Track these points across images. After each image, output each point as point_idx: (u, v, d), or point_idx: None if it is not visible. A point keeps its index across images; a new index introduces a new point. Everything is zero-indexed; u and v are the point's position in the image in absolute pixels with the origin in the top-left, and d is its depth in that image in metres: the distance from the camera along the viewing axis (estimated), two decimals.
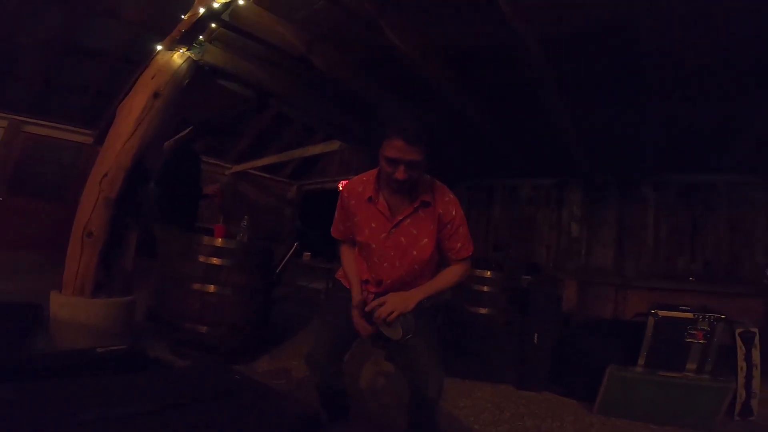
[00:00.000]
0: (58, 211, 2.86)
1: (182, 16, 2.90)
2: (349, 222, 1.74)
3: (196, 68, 3.05)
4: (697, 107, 3.41)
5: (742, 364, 2.35)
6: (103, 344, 1.61)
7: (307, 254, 6.75)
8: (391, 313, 1.47)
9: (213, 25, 2.85)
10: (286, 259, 3.78)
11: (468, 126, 4.21)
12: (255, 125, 7.11)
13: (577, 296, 4.88)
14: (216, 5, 2.49)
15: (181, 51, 2.93)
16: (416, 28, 2.91)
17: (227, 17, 2.70)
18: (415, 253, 1.63)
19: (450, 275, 1.68)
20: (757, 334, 2.37)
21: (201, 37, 2.93)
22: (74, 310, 2.64)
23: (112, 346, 1.57)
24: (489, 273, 3.36)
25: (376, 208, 1.65)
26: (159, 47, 2.92)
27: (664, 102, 3.31)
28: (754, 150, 3.94)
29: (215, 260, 2.91)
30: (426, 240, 1.63)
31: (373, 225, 1.65)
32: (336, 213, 1.82)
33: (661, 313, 2.41)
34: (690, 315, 2.36)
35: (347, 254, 1.81)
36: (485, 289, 3.32)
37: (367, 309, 1.54)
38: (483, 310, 3.28)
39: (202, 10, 2.59)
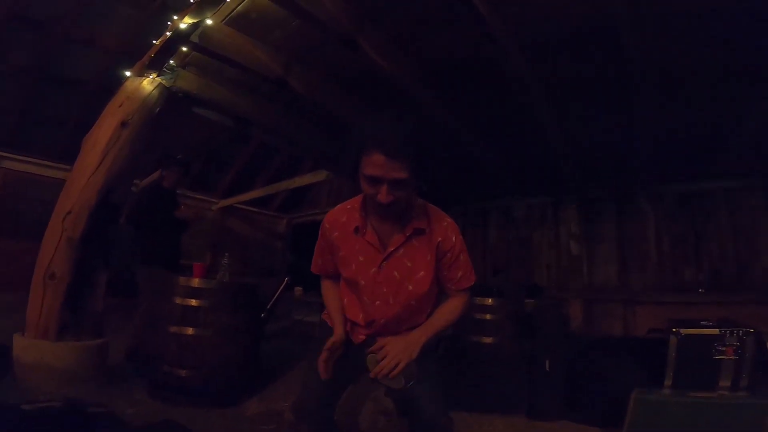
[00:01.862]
0: (28, 248, 2.74)
1: (154, 42, 2.79)
2: (331, 256, 1.53)
3: (168, 95, 2.91)
4: (686, 113, 3.37)
5: None
6: (32, 399, 1.36)
7: (299, 288, 6.52)
8: (397, 365, 1.25)
9: (184, 48, 2.74)
10: (277, 294, 3.60)
11: (457, 146, 4.14)
12: (240, 157, 7.00)
13: (582, 315, 4.72)
14: (183, 26, 2.36)
15: (152, 77, 2.79)
16: (397, 44, 2.83)
17: (197, 39, 2.58)
18: (410, 287, 1.41)
19: (451, 310, 1.47)
20: None
21: (172, 61, 2.80)
22: (39, 353, 2.56)
23: (42, 402, 1.32)
24: (490, 300, 3.17)
25: (363, 240, 1.43)
26: (128, 73, 2.77)
27: (653, 109, 3.26)
28: (747, 153, 3.89)
29: (193, 301, 2.73)
30: (423, 272, 1.42)
31: (360, 259, 1.43)
32: (316, 246, 1.60)
33: (684, 331, 2.21)
34: (716, 331, 2.17)
35: (329, 290, 1.59)
36: (488, 317, 3.12)
37: (371, 351, 1.32)
38: (487, 339, 3.07)
39: (169, 33, 2.46)
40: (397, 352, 1.27)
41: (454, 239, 1.44)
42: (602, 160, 4.39)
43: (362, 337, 1.46)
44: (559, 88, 3.13)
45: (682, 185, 4.67)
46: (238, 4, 2.57)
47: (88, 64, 4.43)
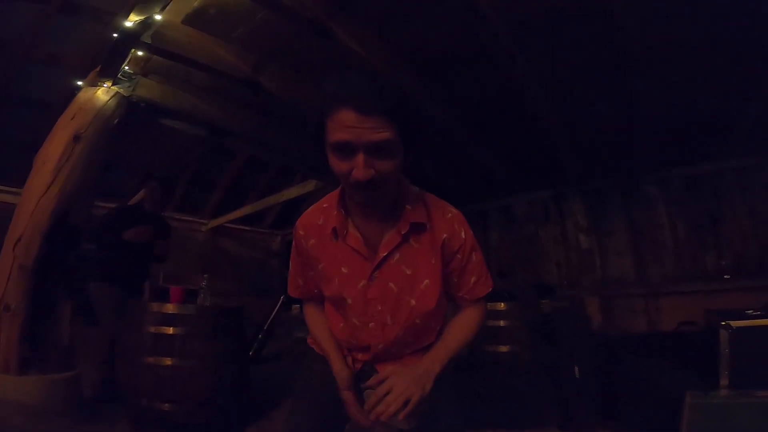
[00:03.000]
0: None
1: None
2: (311, 272, 1.18)
3: (127, 105, 2.66)
4: (689, 92, 3.18)
5: None
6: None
7: (296, 306, 6.27)
8: (406, 403, 0.92)
9: (139, 53, 2.48)
10: (273, 314, 3.36)
11: (448, 141, 3.93)
12: (227, 174, 6.78)
13: (601, 313, 4.44)
14: (128, 24, 2.08)
15: (106, 86, 2.52)
16: (374, 29, 2.58)
17: (149, 40, 2.31)
18: (413, 303, 1.07)
19: (468, 325, 1.13)
20: None
21: (128, 68, 2.53)
22: (1, 388, 2.42)
23: None
24: (502, 305, 2.91)
25: (346, 245, 1.08)
26: (80, 83, 2.51)
27: (653, 91, 3.12)
28: (755, 131, 3.68)
29: (168, 329, 2.48)
30: (427, 281, 1.07)
31: (344, 270, 1.09)
32: (291, 262, 1.26)
33: (735, 323, 1.92)
34: None
35: (313, 315, 1.25)
36: (501, 323, 2.85)
37: (369, 385, 1.01)
38: (504, 348, 2.81)
39: (115, 34, 2.19)
40: (404, 389, 0.94)
41: (463, 235, 1.11)
42: (603, 146, 4.17)
43: (358, 365, 1.14)
44: (552, 72, 2.93)
45: (689, 167, 4.43)
46: (193, 1, 2.32)
47: (53, 84, 4.20)
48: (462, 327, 1.13)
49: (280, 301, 4.80)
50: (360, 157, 0.89)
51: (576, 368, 2.55)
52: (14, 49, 3.87)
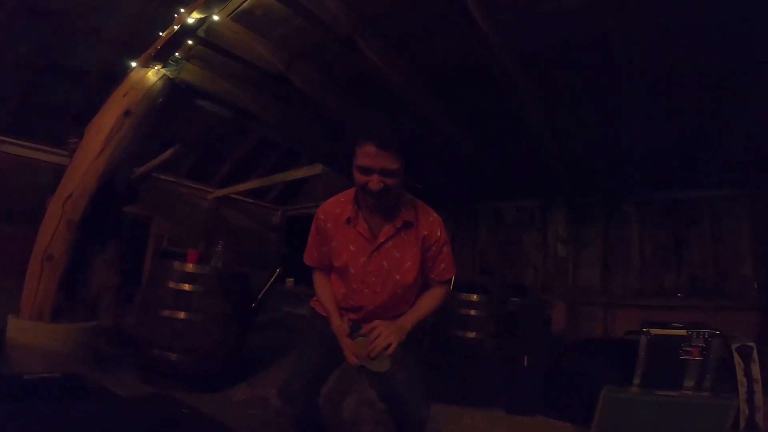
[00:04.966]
0: (33, 235, 2.76)
1: (160, 34, 2.85)
2: (325, 247, 1.62)
3: (171, 86, 2.97)
4: (673, 121, 3.45)
5: (742, 379, 2.24)
6: (33, 371, 1.45)
7: (290, 280, 6.58)
8: (389, 345, 1.33)
9: (190, 42, 2.79)
10: (268, 285, 3.61)
11: (451, 149, 4.21)
12: (239, 149, 7.03)
13: (566, 317, 4.78)
14: (190, 21, 2.44)
15: (156, 68, 2.86)
16: (395, 47, 2.90)
17: (203, 34, 2.65)
18: (398, 277, 1.51)
19: (433, 299, 1.57)
20: (755, 348, 2.29)
21: (177, 54, 2.86)
22: (33, 334, 2.56)
23: (42, 373, 1.40)
24: (476, 296, 3.26)
25: (355, 230, 1.52)
26: (134, 64, 2.84)
27: (641, 117, 3.34)
28: (731, 163, 3.97)
29: (186, 286, 2.79)
30: (409, 263, 1.51)
31: (352, 248, 1.53)
32: (309, 238, 1.68)
33: (654, 331, 2.32)
34: (683, 332, 2.28)
35: (322, 282, 1.67)
36: (472, 312, 3.21)
37: (361, 334, 1.40)
38: (471, 334, 3.16)
39: (177, 27, 2.53)
40: (387, 335, 1.35)
41: (439, 233, 1.54)
42: (592, 166, 4.45)
43: (349, 323, 1.54)
44: (551, 95, 3.21)
45: (668, 192, 4.75)
46: (244, 1, 2.64)
47: (92, 55, 4.46)
48: (430, 299, 1.57)
49: (276, 273, 5.03)
50: (374, 176, 1.35)
51: (525, 358, 2.91)
52: (60, 21, 4.13)
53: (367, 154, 1.32)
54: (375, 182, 1.34)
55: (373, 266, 1.51)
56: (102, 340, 3.05)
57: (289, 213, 8.53)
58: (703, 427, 2.12)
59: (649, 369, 2.32)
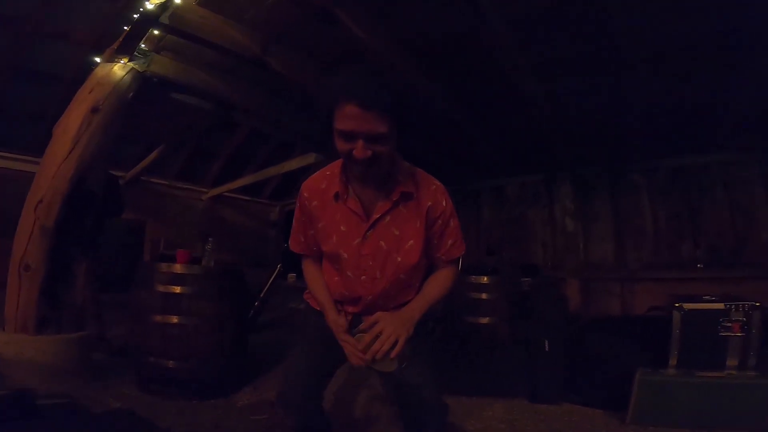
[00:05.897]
0: (7, 246, 2.62)
1: (125, 28, 2.63)
2: (311, 230, 1.38)
3: (141, 80, 2.78)
4: (677, 86, 3.28)
5: None
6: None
7: (292, 276, 6.44)
8: (395, 343, 1.11)
9: (156, 31, 2.58)
10: (270, 282, 3.47)
11: (446, 125, 4.02)
12: (229, 144, 6.83)
13: (580, 294, 4.67)
14: (150, 6, 2.21)
15: (123, 62, 2.64)
16: (379, 17, 2.68)
17: (167, 20, 2.43)
18: (399, 259, 1.27)
19: (442, 281, 1.33)
20: None
21: (143, 45, 2.65)
22: (19, 347, 2.47)
23: None
24: (486, 278, 3.07)
25: (345, 207, 1.27)
26: (98, 59, 2.64)
27: (643, 83, 3.19)
28: (742, 127, 3.81)
29: (176, 288, 2.63)
30: (412, 242, 1.27)
31: (342, 229, 1.28)
32: (294, 221, 1.45)
33: (687, 305, 2.12)
34: (720, 305, 2.07)
35: (312, 271, 1.44)
36: (483, 296, 3.02)
37: (361, 329, 1.18)
38: (484, 320, 2.98)
39: (137, 15, 2.31)
40: (393, 330, 1.12)
41: (444, 203, 1.31)
42: (594, 135, 4.28)
43: (348, 317, 1.32)
44: (547, 63, 3.01)
45: (675, 159, 4.60)
46: None
47: (62, 58, 4.24)
48: (438, 283, 1.33)
49: (277, 270, 4.86)
50: (360, 142, 1.10)
51: (546, 342, 2.73)
52: (25, 24, 3.91)
53: (349, 116, 1.08)
54: (360, 149, 1.10)
55: (369, 248, 1.26)
56: (95, 351, 2.95)
57: (288, 208, 8.37)
58: (751, 410, 1.93)
59: (685, 348, 2.13)
